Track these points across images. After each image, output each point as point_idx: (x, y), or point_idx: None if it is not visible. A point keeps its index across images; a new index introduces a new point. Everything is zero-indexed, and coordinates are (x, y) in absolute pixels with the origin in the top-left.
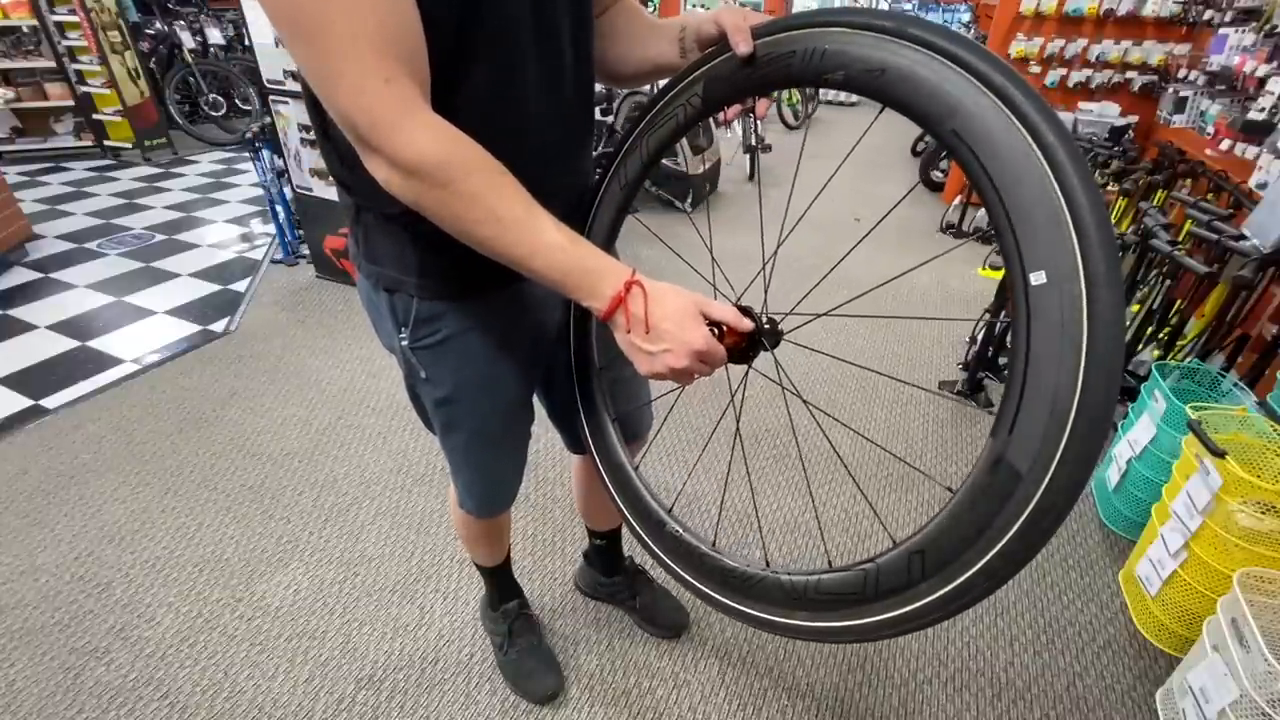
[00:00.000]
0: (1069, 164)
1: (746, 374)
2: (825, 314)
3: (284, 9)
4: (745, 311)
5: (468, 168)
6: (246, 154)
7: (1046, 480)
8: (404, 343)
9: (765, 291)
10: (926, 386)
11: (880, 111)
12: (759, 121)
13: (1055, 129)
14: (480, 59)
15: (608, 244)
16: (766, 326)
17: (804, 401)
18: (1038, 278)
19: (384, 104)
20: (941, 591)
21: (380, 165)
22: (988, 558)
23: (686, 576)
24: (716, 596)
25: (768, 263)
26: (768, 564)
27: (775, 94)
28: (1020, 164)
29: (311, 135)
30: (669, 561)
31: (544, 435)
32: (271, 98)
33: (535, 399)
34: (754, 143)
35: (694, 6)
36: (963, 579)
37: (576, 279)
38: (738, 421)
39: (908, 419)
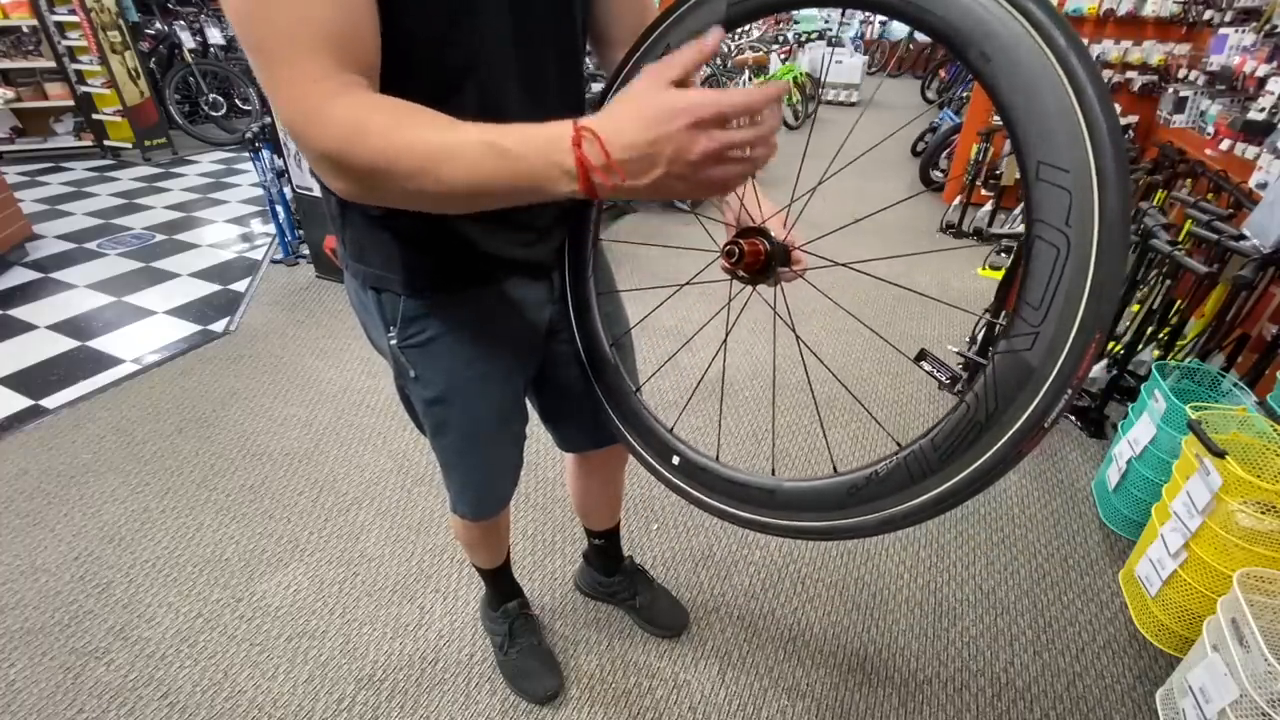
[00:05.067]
0: (1047, 20)
1: (744, 306)
2: (833, 232)
3: (237, 23)
4: (754, 231)
5: (373, 126)
6: (246, 154)
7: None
8: (393, 342)
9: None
10: (924, 388)
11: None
12: None
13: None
14: (461, 80)
15: (595, 221)
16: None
17: (799, 338)
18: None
19: (308, 99)
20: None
21: (321, 167)
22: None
23: (743, 513)
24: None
25: (800, 196)
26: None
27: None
28: (1027, 55)
29: None
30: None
31: (544, 435)
32: None
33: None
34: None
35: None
36: (1065, 353)
37: (528, 171)
38: (727, 336)
39: (906, 419)
